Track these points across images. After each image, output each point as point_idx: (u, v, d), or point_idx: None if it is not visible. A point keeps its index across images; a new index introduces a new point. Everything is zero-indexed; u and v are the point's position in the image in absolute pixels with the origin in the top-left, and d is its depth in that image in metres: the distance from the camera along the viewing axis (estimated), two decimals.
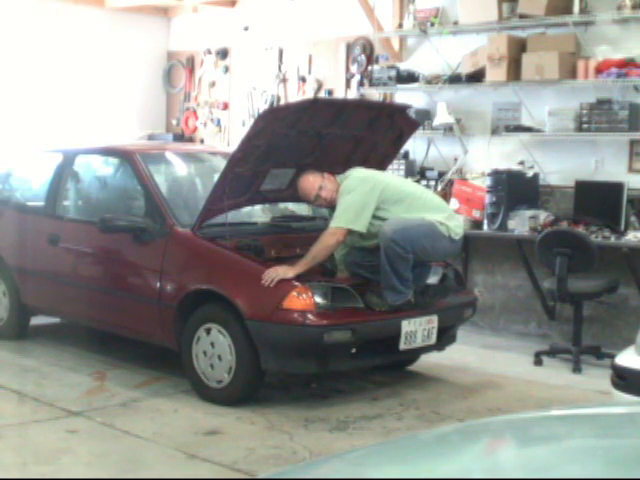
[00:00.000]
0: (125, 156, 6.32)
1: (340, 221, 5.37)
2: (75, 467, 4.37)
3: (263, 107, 9.71)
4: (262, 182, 5.79)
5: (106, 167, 6.86)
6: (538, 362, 6.65)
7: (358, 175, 5.55)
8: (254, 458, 4.51)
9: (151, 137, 10.41)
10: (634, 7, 6.87)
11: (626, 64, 6.94)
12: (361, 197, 5.40)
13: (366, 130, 5.93)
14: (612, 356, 4.95)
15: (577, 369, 6.45)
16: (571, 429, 2.14)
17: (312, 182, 5.56)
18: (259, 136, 5.38)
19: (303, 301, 5.13)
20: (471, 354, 6.79)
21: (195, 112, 10.59)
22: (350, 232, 5.43)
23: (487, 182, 7.38)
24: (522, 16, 7.41)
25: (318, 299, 5.17)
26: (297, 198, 6.01)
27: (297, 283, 5.16)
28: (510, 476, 1.79)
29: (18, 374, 6.03)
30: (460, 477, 1.84)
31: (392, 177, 6.21)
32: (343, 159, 5.91)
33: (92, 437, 4.83)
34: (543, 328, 7.55)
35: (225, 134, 10.30)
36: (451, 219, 5.58)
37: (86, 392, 5.61)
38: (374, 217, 5.43)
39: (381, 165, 6.16)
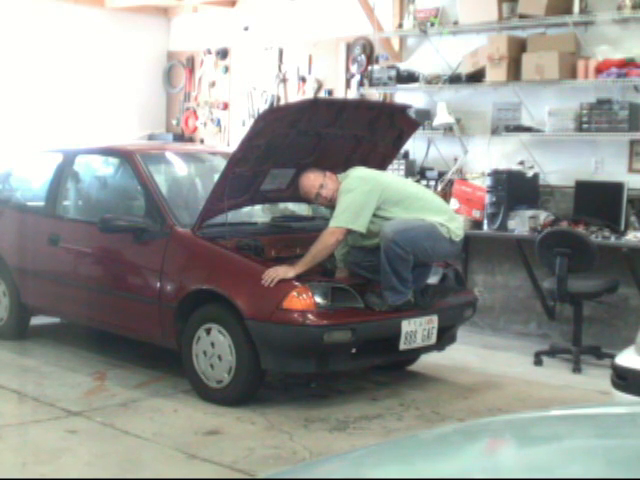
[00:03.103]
0: (125, 156, 6.32)
1: (339, 220, 5.36)
2: (75, 467, 4.37)
3: (263, 107, 9.71)
4: (262, 182, 5.78)
5: (106, 167, 6.87)
6: (538, 362, 6.65)
7: (358, 174, 5.54)
8: (254, 458, 4.51)
9: (151, 137, 10.41)
10: (634, 7, 6.86)
11: (626, 64, 6.94)
12: (361, 197, 5.38)
13: (366, 130, 5.92)
14: (612, 356, 4.96)
15: (577, 369, 6.44)
16: (571, 429, 2.14)
17: (313, 180, 5.54)
18: (259, 136, 5.37)
19: (303, 301, 5.12)
20: (471, 354, 6.79)
21: (195, 112, 10.59)
22: (350, 231, 5.42)
23: (487, 182, 7.38)
24: (522, 16, 7.41)
25: (318, 299, 5.16)
26: (297, 198, 5.99)
27: (297, 283, 5.16)
28: (510, 476, 1.79)
29: (18, 374, 6.03)
30: (460, 477, 1.84)
31: (393, 177, 6.20)
32: (343, 159, 5.91)
33: (92, 437, 4.83)
34: (543, 328, 7.55)
35: (225, 134, 10.29)
36: (452, 221, 5.56)
37: (86, 392, 5.61)
38: (375, 216, 5.41)
39: (381, 165, 6.15)
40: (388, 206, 5.44)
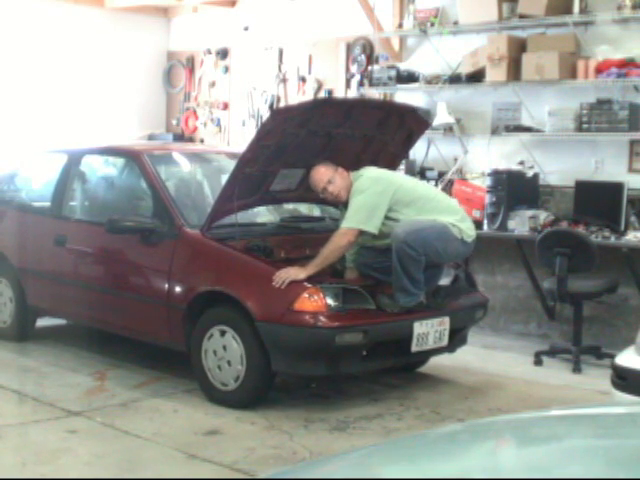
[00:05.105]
0: (132, 156, 6.27)
1: (352, 222, 5.31)
2: (75, 467, 4.37)
3: (263, 107, 9.72)
4: (272, 182, 5.74)
5: (113, 167, 6.80)
6: (538, 362, 6.65)
7: (371, 175, 5.49)
8: (254, 458, 4.51)
9: (151, 137, 10.41)
10: (634, 7, 6.86)
11: (626, 64, 6.94)
12: (373, 198, 5.34)
13: (376, 130, 5.88)
14: (612, 356, 4.96)
15: (577, 369, 6.44)
16: (571, 429, 2.14)
17: (322, 174, 5.48)
18: (269, 136, 5.33)
19: (315, 303, 5.06)
20: (471, 354, 6.78)
21: (195, 112, 10.59)
22: (362, 233, 5.37)
23: (487, 182, 7.38)
24: (522, 16, 7.41)
25: (330, 301, 5.11)
26: (307, 199, 5.95)
27: (308, 284, 5.10)
28: (511, 476, 1.79)
29: (18, 374, 6.04)
30: (461, 477, 1.84)
31: (405, 178, 6.09)
32: (353, 159, 5.82)
33: (92, 437, 4.83)
34: (543, 328, 7.55)
35: (225, 134, 10.29)
36: (463, 221, 5.51)
37: (86, 392, 5.61)
38: (386, 218, 5.36)
39: (391, 165, 6.07)
40: (400, 207, 5.39)
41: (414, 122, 6.04)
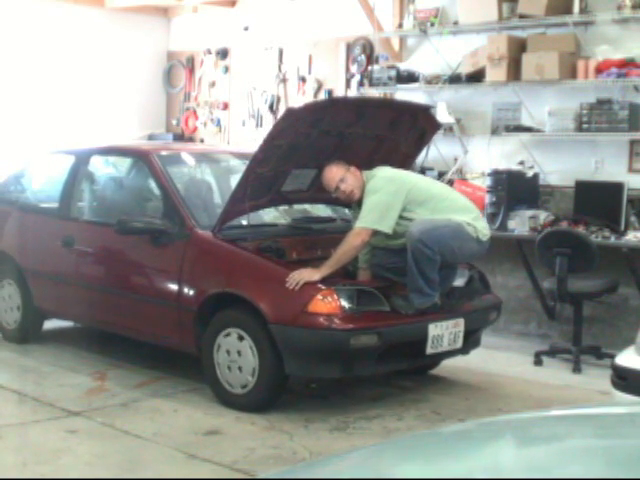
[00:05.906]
0: (141, 156, 6.22)
1: (365, 221, 5.27)
2: (75, 467, 4.37)
3: (263, 107, 9.72)
4: (283, 183, 5.70)
5: (121, 168, 6.75)
6: (538, 362, 6.65)
7: (385, 175, 5.45)
8: (254, 458, 4.51)
9: (151, 137, 10.41)
10: (634, 7, 6.86)
11: (626, 64, 6.94)
12: (387, 197, 5.30)
13: (388, 130, 5.84)
14: (612, 356, 4.96)
15: (577, 369, 6.44)
16: (571, 429, 2.14)
17: (334, 173, 5.45)
18: (281, 136, 5.29)
19: (329, 304, 5.01)
20: (472, 354, 6.75)
21: (195, 112, 10.59)
22: (375, 232, 5.33)
23: (487, 182, 7.38)
24: (522, 16, 7.41)
25: (344, 302, 5.05)
26: (318, 199, 5.91)
27: (322, 286, 5.05)
28: (511, 476, 1.79)
29: (18, 374, 6.04)
30: (461, 477, 1.84)
31: (419, 178, 5.99)
32: (365, 159, 5.76)
33: (92, 437, 4.83)
34: (543, 328, 7.55)
35: (225, 134, 10.30)
36: (478, 220, 5.47)
37: (86, 392, 5.61)
38: (400, 217, 5.31)
39: (403, 165, 6.00)
40: (414, 206, 5.35)
41: (426, 122, 5.98)
